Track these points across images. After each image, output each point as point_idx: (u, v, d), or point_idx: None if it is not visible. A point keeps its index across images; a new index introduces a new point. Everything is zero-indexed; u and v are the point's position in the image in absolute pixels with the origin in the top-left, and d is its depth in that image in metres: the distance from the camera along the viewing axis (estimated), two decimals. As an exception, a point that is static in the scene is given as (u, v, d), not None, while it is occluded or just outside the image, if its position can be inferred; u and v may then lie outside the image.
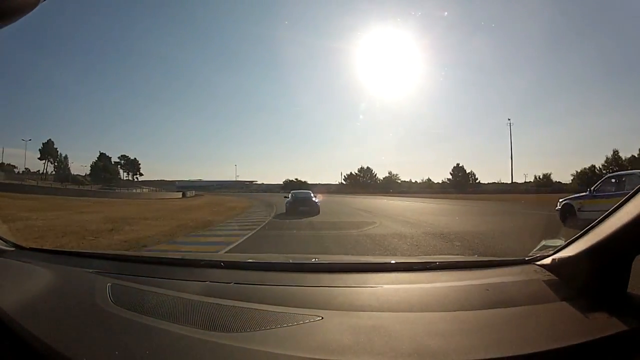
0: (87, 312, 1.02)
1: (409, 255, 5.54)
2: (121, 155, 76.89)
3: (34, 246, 1.83)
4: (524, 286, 1.10)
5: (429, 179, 75.18)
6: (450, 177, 70.69)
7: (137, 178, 76.51)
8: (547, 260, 1.19)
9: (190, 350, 0.82)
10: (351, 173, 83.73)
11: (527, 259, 1.30)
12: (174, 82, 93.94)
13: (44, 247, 2.30)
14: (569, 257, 1.09)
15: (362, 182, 79.72)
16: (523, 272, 1.21)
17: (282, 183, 77.99)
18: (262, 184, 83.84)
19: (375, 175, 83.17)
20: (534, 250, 1.35)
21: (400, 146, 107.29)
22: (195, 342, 0.84)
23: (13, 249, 1.64)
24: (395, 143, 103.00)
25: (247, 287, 1.22)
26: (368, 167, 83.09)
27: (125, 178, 74.49)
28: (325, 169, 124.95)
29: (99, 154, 71.78)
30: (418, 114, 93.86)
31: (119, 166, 75.39)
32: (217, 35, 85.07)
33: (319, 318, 0.94)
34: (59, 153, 66.66)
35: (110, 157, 73.21)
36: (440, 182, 71.66)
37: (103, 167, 70.27)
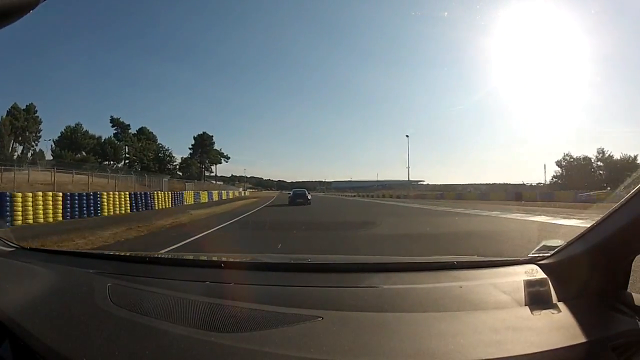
0: (86, 312, 1.02)
1: (409, 256, 5.52)
2: (201, 133, 52.56)
3: (34, 246, 1.83)
4: (524, 286, 1.10)
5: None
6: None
7: (210, 172, 55.63)
8: (547, 261, 1.19)
9: (190, 350, 0.82)
10: None
11: (527, 259, 1.29)
12: (338, 89, 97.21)
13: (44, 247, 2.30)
14: (569, 258, 1.09)
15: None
16: (523, 273, 1.20)
17: (484, 184, 51.58)
18: (428, 184, 74.27)
19: None
20: (534, 250, 1.34)
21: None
22: (195, 342, 0.84)
23: (13, 249, 1.64)
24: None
25: (247, 287, 1.22)
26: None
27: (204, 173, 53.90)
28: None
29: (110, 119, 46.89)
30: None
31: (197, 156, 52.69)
32: (372, 36, 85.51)
33: (319, 318, 0.94)
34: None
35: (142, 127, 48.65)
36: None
37: (71, 141, 42.46)
